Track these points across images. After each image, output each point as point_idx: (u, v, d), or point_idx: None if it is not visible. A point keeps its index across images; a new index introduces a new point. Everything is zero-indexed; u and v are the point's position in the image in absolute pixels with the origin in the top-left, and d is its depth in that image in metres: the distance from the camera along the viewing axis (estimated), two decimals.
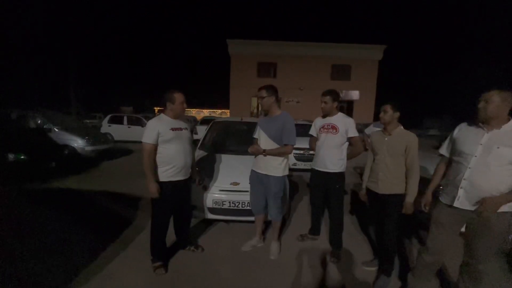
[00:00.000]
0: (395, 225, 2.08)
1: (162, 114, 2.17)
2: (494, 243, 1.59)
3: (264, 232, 2.76)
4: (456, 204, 1.65)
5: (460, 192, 1.62)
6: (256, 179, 2.45)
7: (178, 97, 2.12)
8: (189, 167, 2.27)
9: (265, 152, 2.29)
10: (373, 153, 2.21)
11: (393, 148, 2.04)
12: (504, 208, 1.51)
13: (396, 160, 2.04)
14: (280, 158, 2.33)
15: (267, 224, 2.80)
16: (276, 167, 2.33)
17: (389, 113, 2.05)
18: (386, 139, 2.09)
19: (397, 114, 2.06)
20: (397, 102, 2.06)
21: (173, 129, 2.10)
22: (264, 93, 2.30)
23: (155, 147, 2.05)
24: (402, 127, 2.12)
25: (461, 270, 1.78)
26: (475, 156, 1.57)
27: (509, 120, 1.54)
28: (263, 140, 2.36)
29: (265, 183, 2.38)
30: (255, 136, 2.48)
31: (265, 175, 2.36)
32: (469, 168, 1.59)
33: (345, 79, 19.94)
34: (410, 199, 1.99)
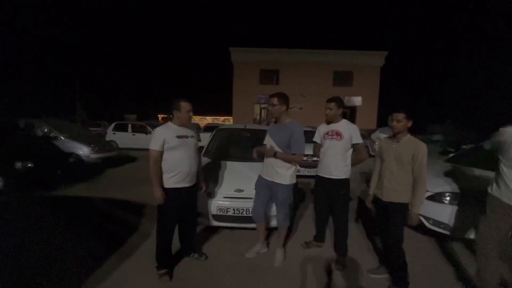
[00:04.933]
0: (400, 234, 2.04)
1: (169, 122, 2.22)
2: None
3: (267, 238, 2.75)
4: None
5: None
6: (263, 185, 2.45)
7: (185, 105, 2.17)
8: (195, 174, 2.29)
9: (276, 154, 2.28)
10: (380, 160, 2.20)
11: (400, 155, 2.00)
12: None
13: (402, 168, 2.00)
14: (288, 166, 2.33)
15: (269, 230, 2.80)
16: (284, 175, 2.33)
17: (403, 122, 2.01)
18: (394, 146, 2.07)
19: (410, 123, 2.02)
20: (408, 111, 2.01)
21: (178, 137, 2.14)
22: (276, 101, 2.31)
23: (161, 154, 2.09)
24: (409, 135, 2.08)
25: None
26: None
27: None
28: (272, 147, 2.37)
29: (273, 190, 2.39)
30: (265, 142, 2.50)
31: (273, 182, 2.37)
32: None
33: (347, 85, 20.02)
34: (415, 209, 1.94)
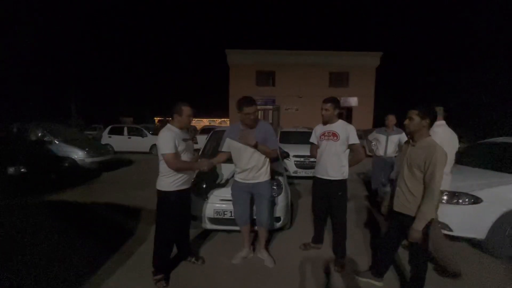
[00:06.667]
0: (422, 251, 1.83)
1: (169, 125, 2.17)
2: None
3: (253, 243, 2.75)
4: None
5: None
6: (242, 190, 2.39)
7: (186, 110, 2.15)
8: (192, 176, 2.30)
9: (257, 144, 2.16)
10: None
11: (412, 160, 1.78)
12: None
13: (413, 176, 1.77)
14: (266, 165, 2.35)
15: (256, 233, 2.76)
16: (263, 174, 2.34)
17: (416, 120, 1.77)
18: (409, 149, 1.86)
19: (427, 122, 1.77)
20: (424, 108, 1.79)
21: (184, 140, 2.16)
22: (253, 109, 2.20)
23: (178, 155, 2.06)
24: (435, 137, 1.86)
25: None
26: None
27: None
28: (249, 152, 2.24)
29: (256, 190, 2.35)
30: (224, 150, 2.42)
31: (255, 183, 2.33)
32: None
33: (343, 86, 20.11)
34: (417, 225, 1.68)
